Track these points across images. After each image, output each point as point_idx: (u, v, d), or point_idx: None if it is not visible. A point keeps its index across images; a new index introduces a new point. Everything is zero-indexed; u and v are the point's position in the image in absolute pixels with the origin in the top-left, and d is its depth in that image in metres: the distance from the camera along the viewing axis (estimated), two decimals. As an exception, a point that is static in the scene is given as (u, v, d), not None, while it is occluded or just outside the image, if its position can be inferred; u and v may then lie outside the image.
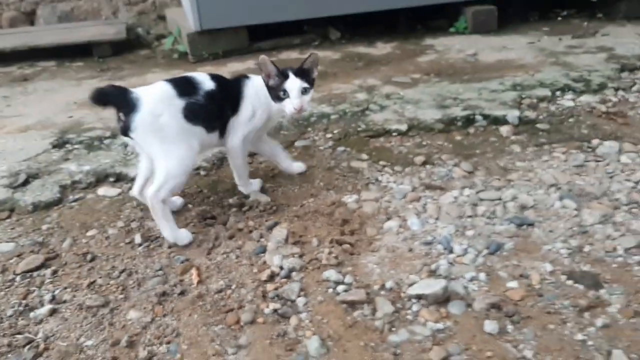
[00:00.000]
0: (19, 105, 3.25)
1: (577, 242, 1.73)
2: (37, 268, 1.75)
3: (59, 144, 2.58)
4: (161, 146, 1.78)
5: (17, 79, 3.85)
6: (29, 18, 4.95)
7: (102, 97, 1.79)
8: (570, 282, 1.55)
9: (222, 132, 1.95)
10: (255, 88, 1.95)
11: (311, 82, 1.93)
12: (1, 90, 3.57)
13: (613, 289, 1.52)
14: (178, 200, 2.05)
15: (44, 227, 1.97)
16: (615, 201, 1.94)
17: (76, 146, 2.56)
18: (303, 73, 1.92)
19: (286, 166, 2.21)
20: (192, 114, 1.81)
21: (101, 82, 3.63)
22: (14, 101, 3.33)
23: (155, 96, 1.79)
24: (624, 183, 2.05)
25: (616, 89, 2.94)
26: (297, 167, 2.24)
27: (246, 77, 2.00)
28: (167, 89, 1.82)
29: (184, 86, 1.84)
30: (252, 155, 2.37)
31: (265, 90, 1.93)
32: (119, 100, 1.78)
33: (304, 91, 1.90)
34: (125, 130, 1.76)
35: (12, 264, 1.78)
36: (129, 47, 4.44)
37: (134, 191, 1.97)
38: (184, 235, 1.84)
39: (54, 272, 1.73)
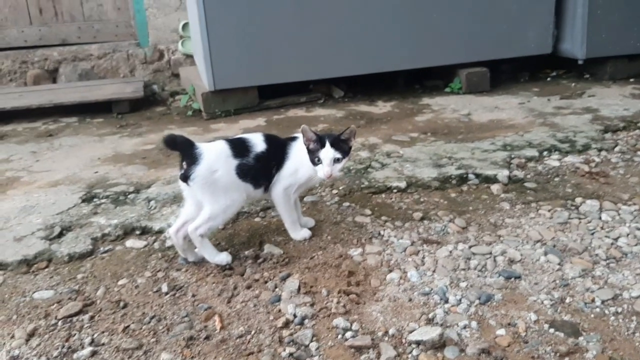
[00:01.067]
0: (47, 160, 3.50)
1: (559, 294, 1.94)
2: (76, 314, 1.94)
3: (87, 199, 2.81)
4: (211, 195, 2.10)
5: (42, 134, 4.11)
6: (52, 75, 5.26)
7: (172, 142, 2.13)
8: (552, 330, 1.75)
9: (267, 188, 2.25)
10: (300, 152, 2.23)
11: (346, 151, 2.19)
12: (29, 146, 3.83)
13: (590, 337, 1.71)
14: (199, 252, 2.26)
15: (79, 276, 2.18)
16: (595, 256, 2.16)
17: (103, 201, 2.79)
18: (339, 143, 2.17)
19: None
20: (243, 173, 2.13)
21: (121, 138, 3.90)
22: (42, 156, 3.58)
23: (214, 154, 2.10)
24: (604, 239, 2.27)
25: (599, 150, 3.20)
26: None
27: (294, 138, 2.29)
28: (225, 149, 2.13)
29: (239, 147, 2.15)
30: (265, 209, 2.60)
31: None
32: (186, 151, 2.10)
33: (336, 160, 2.16)
34: (185, 178, 2.09)
35: (53, 309, 1.97)
36: (145, 103, 4.72)
37: (171, 230, 2.21)
38: (222, 257, 2.18)
39: (91, 318, 1.92)
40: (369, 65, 4.47)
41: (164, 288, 2.07)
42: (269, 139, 2.23)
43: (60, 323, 1.90)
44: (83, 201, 2.79)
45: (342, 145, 2.18)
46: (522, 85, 4.82)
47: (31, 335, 1.85)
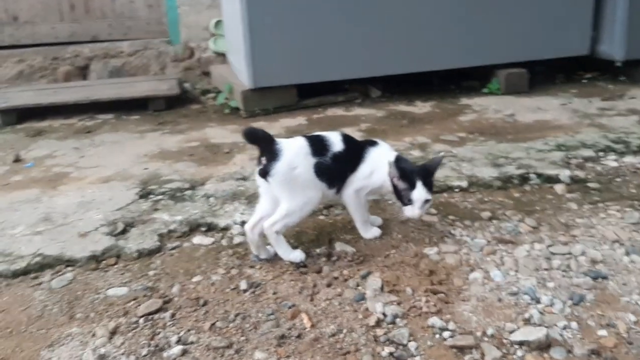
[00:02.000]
0: (92, 156, 3.44)
1: (652, 294, 1.89)
2: (157, 311, 1.88)
3: (144, 195, 2.76)
4: (289, 192, 2.05)
5: (80, 130, 4.06)
6: (82, 72, 5.21)
7: (253, 136, 2.11)
8: (655, 332, 1.71)
9: (339, 189, 2.18)
10: (377, 156, 2.17)
11: (432, 188, 2.12)
12: (70, 142, 3.76)
13: (696, 339, 1.67)
14: (271, 249, 2.21)
15: (151, 272, 2.13)
16: (677, 258, 2.11)
17: (160, 197, 2.73)
18: (429, 181, 2.09)
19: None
20: (320, 171, 2.07)
21: (163, 135, 3.85)
22: (86, 152, 3.52)
23: (294, 150, 2.05)
24: (682, 240, 2.23)
25: (655, 151, 3.16)
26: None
27: (373, 144, 2.23)
28: (305, 146, 2.08)
29: (318, 145, 2.10)
30: (328, 207, 2.55)
31: (385, 160, 2.13)
32: (266, 146, 2.05)
33: (426, 202, 2.09)
34: (265, 174, 2.03)
35: (131, 307, 1.92)
36: (179, 101, 4.67)
37: (247, 226, 2.16)
38: (297, 255, 2.13)
39: (173, 315, 1.87)
40: (408, 65, 4.42)
41: (243, 285, 2.01)
42: (347, 139, 2.17)
43: (141, 321, 1.85)
44: (140, 197, 2.73)
45: (430, 183, 2.11)
46: (558, 87, 4.77)
47: (113, 333, 1.80)
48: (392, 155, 2.17)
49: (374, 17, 4.25)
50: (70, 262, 2.19)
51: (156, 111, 4.43)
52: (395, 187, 2.11)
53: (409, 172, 2.08)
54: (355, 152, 2.18)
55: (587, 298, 1.89)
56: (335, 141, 2.13)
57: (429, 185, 2.09)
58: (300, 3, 4.09)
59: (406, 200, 2.09)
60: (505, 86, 4.55)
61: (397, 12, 4.28)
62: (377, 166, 2.16)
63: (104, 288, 2.04)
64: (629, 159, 3.05)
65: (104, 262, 2.20)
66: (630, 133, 3.43)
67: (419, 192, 2.06)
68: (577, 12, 4.63)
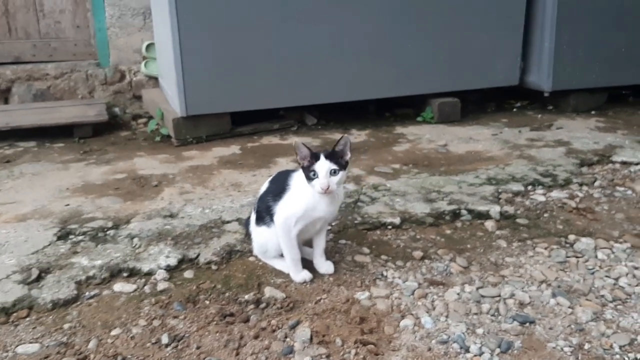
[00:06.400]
0: (10, 190, 3.24)
1: (577, 339, 1.90)
2: (70, 371, 1.77)
3: (62, 236, 2.60)
4: None
5: (-2, 160, 3.84)
6: (4, 95, 4.93)
7: None
8: (581, 381, 1.72)
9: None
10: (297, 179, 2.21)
11: (342, 164, 2.12)
12: (-14, 174, 3.55)
13: (620, 387, 1.69)
14: None
15: (66, 326, 1.99)
16: (602, 298, 2.14)
17: (80, 237, 2.58)
18: (334, 156, 2.11)
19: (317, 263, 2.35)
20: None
21: (88, 166, 3.67)
22: (3, 186, 3.31)
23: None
24: (605, 280, 2.27)
25: (580, 184, 3.24)
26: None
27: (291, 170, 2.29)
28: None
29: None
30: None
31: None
32: None
33: (333, 172, 2.08)
34: None
35: (42, 367, 1.79)
36: (108, 127, 4.49)
37: None
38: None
39: (88, 376, 1.75)
40: (344, 94, 4.42)
41: (164, 339, 1.91)
42: (277, 176, 2.32)
43: (53, 383, 1.72)
44: (58, 238, 2.57)
45: (337, 157, 2.12)
46: (490, 116, 4.88)
47: (20, 398, 1.66)
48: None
49: (309, 45, 4.23)
50: (-24, 316, 2.02)
51: (82, 138, 4.24)
52: (304, 168, 2.12)
53: (314, 151, 2.12)
54: (280, 182, 2.26)
55: (515, 345, 1.88)
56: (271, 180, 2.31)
57: (332, 158, 2.09)
58: (234, 29, 4.01)
59: (312, 175, 2.09)
60: (439, 115, 4.62)
61: (333, 40, 4.29)
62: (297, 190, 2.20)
63: (13, 345, 1.88)
64: (555, 194, 3.12)
65: (14, 314, 2.04)
66: (557, 165, 3.52)
67: (321, 163, 2.08)
68: (507, 44, 4.76)
